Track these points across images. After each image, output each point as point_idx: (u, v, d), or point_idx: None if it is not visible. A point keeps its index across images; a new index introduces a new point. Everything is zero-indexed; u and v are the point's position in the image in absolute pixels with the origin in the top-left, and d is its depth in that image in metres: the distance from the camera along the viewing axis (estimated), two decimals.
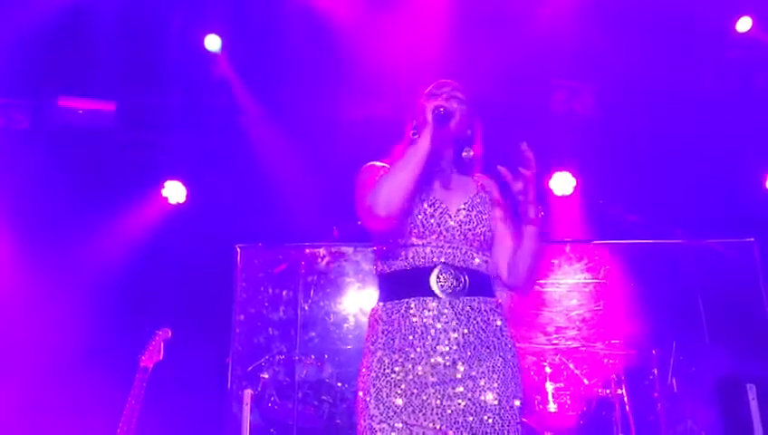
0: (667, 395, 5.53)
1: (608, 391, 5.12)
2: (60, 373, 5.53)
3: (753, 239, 6.41)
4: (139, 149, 6.07)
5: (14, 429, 5.35)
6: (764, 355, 6.09)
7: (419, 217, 2.41)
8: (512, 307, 5.51)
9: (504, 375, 2.32)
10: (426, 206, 2.44)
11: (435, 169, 2.53)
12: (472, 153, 2.59)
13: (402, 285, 2.41)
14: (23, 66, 5.65)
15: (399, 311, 2.37)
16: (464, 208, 2.46)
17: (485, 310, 2.39)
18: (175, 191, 6.27)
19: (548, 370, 5.11)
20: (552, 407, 5.02)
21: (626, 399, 5.05)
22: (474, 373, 2.29)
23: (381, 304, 2.45)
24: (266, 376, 5.48)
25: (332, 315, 6.29)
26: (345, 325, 6.24)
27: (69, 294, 5.72)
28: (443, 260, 2.38)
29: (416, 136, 2.46)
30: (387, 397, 2.29)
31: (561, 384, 5.10)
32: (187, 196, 6.29)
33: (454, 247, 2.40)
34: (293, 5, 5.50)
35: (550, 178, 6.43)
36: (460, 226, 2.43)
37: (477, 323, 2.36)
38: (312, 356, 5.94)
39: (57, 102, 5.86)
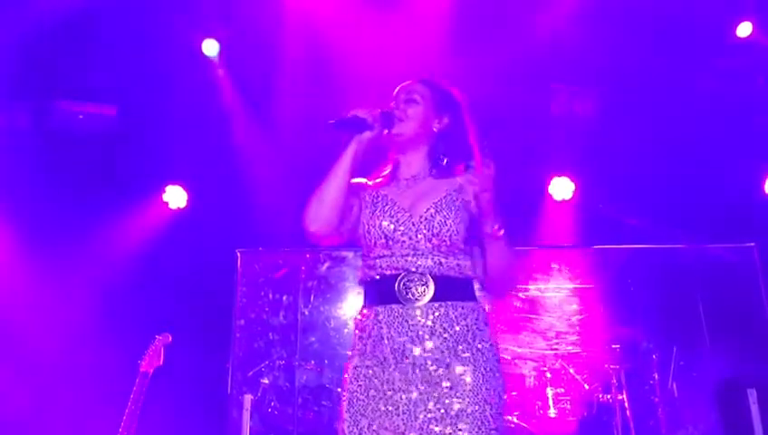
0: (668, 400, 5.53)
1: (608, 396, 5.11)
2: (60, 378, 5.53)
3: (753, 244, 6.41)
4: (140, 154, 6.06)
5: (15, 433, 5.34)
6: (765, 360, 6.08)
7: (382, 227, 2.41)
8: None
9: (474, 381, 2.27)
10: (388, 216, 2.43)
11: (404, 177, 2.54)
12: (446, 161, 2.54)
13: (372, 294, 2.43)
14: (24, 70, 5.66)
15: (370, 318, 2.39)
16: (426, 214, 2.40)
17: (455, 316, 2.35)
18: (175, 196, 6.28)
19: (548, 375, 5.11)
20: (553, 412, 5.01)
21: (626, 404, 5.04)
22: (443, 380, 2.27)
23: (360, 310, 2.48)
24: (266, 381, 5.47)
25: (333, 320, 6.28)
26: (345, 330, 6.23)
27: (69, 299, 5.72)
28: (409, 267, 2.36)
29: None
30: (357, 401, 2.32)
31: (562, 389, 5.09)
32: (187, 200, 6.30)
33: (419, 254, 2.38)
34: (291, 10, 5.50)
35: (549, 182, 6.45)
36: (424, 231, 2.38)
37: (445, 329, 2.33)
38: (313, 361, 5.93)
39: (58, 106, 5.87)
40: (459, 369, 2.29)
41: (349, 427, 2.30)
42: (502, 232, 2.32)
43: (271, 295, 6.34)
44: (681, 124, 6.10)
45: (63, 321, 5.64)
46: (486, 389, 2.28)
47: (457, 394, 2.26)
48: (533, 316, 5.99)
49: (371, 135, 2.41)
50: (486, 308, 2.47)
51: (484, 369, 2.31)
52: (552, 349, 5.51)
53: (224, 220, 6.17)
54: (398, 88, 2.60)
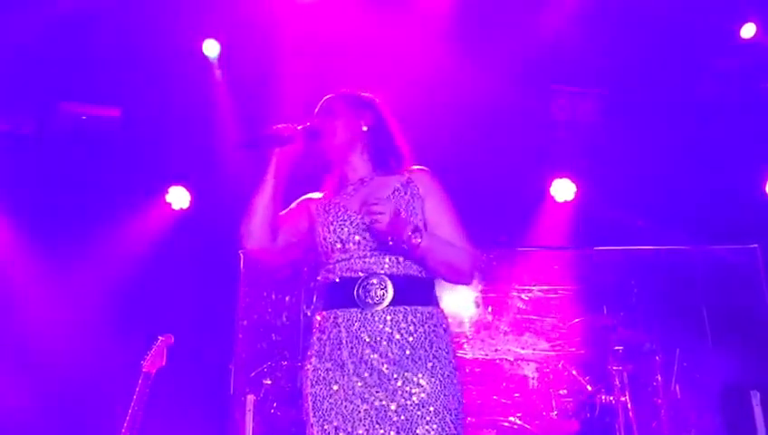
0: (671, 402, 5.52)
1: (611, 398, 5.11)
2: (64, 379, 5.54)
3: (756, 246, 6.40)
4: (143, 155, 6.07)
5: (19, 434, 5.35)
6: None
7: (336, 232, 2.42)
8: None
9: (432, 386, 2.26)
10: (340, 220, 2.43)
11: (352, 182, 2.56)
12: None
13: (330, 297, 2.42)
14: (28, 71, 5.67)
15: (329, 320, 2.39)
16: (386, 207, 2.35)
17: (413, 321, 2.33)
18: (179, 197, 6.28)
19: (551, 376, 5.10)
20: (555, 413, 5.01)
21: (629, 405, 5.03)
22: (401, 384, 2.26)
23: (319, 312, 2.47)
24: (269, 382, 5.46)
25: None
26: None
27: (72, 300, 5.73)
28: (369, 268, 2.36)
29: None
30: (320, 404, 2.31)
31: (565, 391, 5.09)
32: (190, 201, 6.31)
33: (377, 255, 2.37)
34: (294, 11, 5.51)
35: (551, 184, 6.46)
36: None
37: (402, 335, 2.31)
38: None
39: (61, 108, 5.87)
40: (417, 375, 2.27)
41: (312, 426, 2.31)
42: (418, 241, 2.30)
43: (273, 296, 6.34)
44: (683, 124, 6.11)
45: (67, 322, 5.65)
46: (445, 395, 2.26)
47: (417, 398, 2.24)
48: (536, 318, 5.98)
49: (292, 148, 2.48)
50: (444, 313, 2.46)
51: (442, 375, 2.29)
52: (554, 350, 5.51)
53: (227, 221, 6.15)
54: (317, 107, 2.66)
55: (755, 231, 6.35)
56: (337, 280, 2.40)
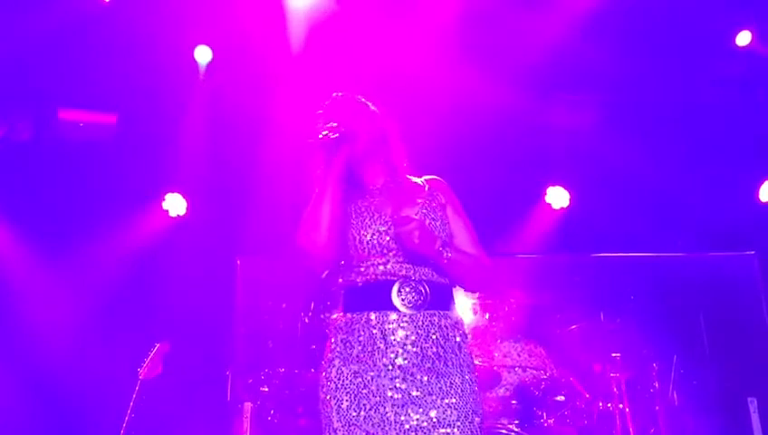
0: (669, 409, 5.51)
1: (609, 405, 5.10)
2: (59, 386, 5.52)
3: (753, 253, 6.42)
4: (140, 162, 6.07)
5: None
6: (765, 368, 6.08)
7: (374, 238, 2.39)
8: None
9: (462, 391, 2.30)
10: (378, 225, 2.41)
11: (374, 186, 2.54)
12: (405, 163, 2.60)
13: (364, 298, 2.39)
14: (25, 78, 5.67)
15: (360, 322, 2.36)
16: (417, 219, 2.37)
17: (445, 325, 2.37)
18: (175, 204, 6.27)
19: (548, 383, 5.09)
20: (553, 420, 5.00)
21: (627, 412, 5.03)
22: (432, 389, 2.28)
23: (342, 314, 2.44)
24: (266, 389, 5.44)
25: None
26: None
27: (69, 307, 5.71)
28: (403, 274, 2.36)
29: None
30: (348, 410, 2.27)
31: (562, 397, 5.07)
32: (187, 208, 6.30)
33: (415, 261, 2.37)
34: (291, 17, 5.51)
35: (546, 191, 6.48)
36: None
37: (437, 338, 2.34)
38: (313, 369, 5.91)
39: (58, 115, 5.87)
40: (449, 379, 2.30)
41: None
42: (448, 255, 2.34)
43: (271, 303, 6.32)
44: (679, 131, 6.13)
45: (63, 329, 5.64)
46: (473, 399, 2.31)
47: (447, 403, 2.27)
48: (533, 324, 5.97)
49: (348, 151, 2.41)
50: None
51: (470, 381, 2.34)
52: (551, 357, 5.49)
53: (224, 228, 6.17)
54: (325, 106, 2.61)
55: (752, 238, 6.37)
56: (370, 281, 2.38)
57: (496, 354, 5.36)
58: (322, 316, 6.24)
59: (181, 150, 6.05)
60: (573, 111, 6.15)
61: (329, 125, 2.43)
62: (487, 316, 5.56)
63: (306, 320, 6.20)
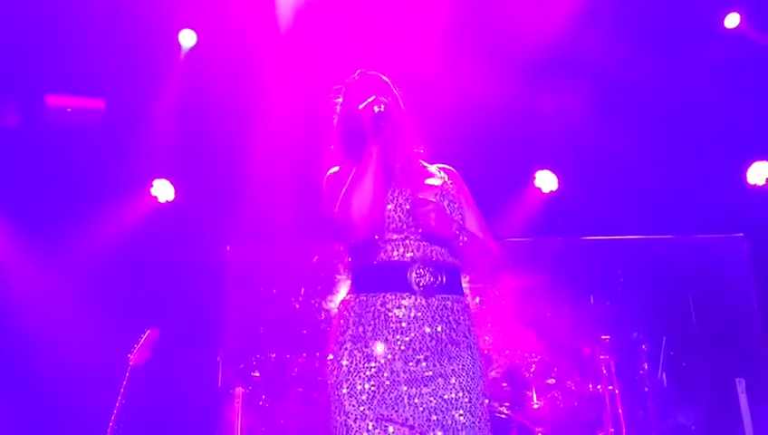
0: (658, 390, 5.56)
1: (598, 387, 5.13)
2: (49, 373, 5.52)
3: (741, 235, 6.45)
4: (128, 148, 6.03)
5: (3, 428, 5.33)
6: (753, 350, 6.13)
7: (397, 212, 2.38)
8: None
9: (473, 374, 2.32)
10: (401, 200, 2.40)
11: (401, 164, 2.53)
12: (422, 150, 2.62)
13: (379, 279, 2.36)
14: (11, 64, 5.63)
15: (375, 304, 2.33)
16: (435, 201, 2.38)
17: (457, 308, 2.38)
18: (163, 190, 6.24)
19: (538, 366, 5.12)
20: (543, 403, 5.02)
21: (616, 393, 5.06)
22: (444, 371, 2.29)
23: (354, 295, 2.40)
24: (258, 374, 5.45)
25: (323, 313, 6.27)
26: None
27: (57, 294, 5.70)
28: (420, 252, 2.36)
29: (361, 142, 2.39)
30: (360, 393, 2.26)
31: (552, 380, 5.10)
32: (175, 194, 6.27)
33: (432, 241, 2.37)
34: (281, 2, 5.48)
35: (535, 175, 6.49)
36: None
37: (449, 321, 2.35)
38: (304, 354, 5.92)
39: (45, 100, 5.83)
40: (460, 361, 2.32)
41: (356, 420, 2.24)
42: (464, 239, 2.35)
43: (261, 289, 6.33)
44: (667, 115, 6.14)
45: (52, 316, 5.62)
46: (482, 381, 2.35)
47: (458, 384, 2.29)
48: (523, 308, 5.99)
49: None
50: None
51: (480, 363, 2.37)
52: (541, 340, 5.52)
53: (213, 214, 6.15)
54: (359, 78, 2.61)
55: (740, 220, 6.40)
56: (386, 261, 2.35)
57: (487, 338, 5.38)
58: (313, 301, 6.25)
59: (169, 136, 6.02)
60: (562, 95, 6.15)
61: (379, 99, 2.38)
62: (478, 300, 5.56)
63: (297, 305, 6.21)
